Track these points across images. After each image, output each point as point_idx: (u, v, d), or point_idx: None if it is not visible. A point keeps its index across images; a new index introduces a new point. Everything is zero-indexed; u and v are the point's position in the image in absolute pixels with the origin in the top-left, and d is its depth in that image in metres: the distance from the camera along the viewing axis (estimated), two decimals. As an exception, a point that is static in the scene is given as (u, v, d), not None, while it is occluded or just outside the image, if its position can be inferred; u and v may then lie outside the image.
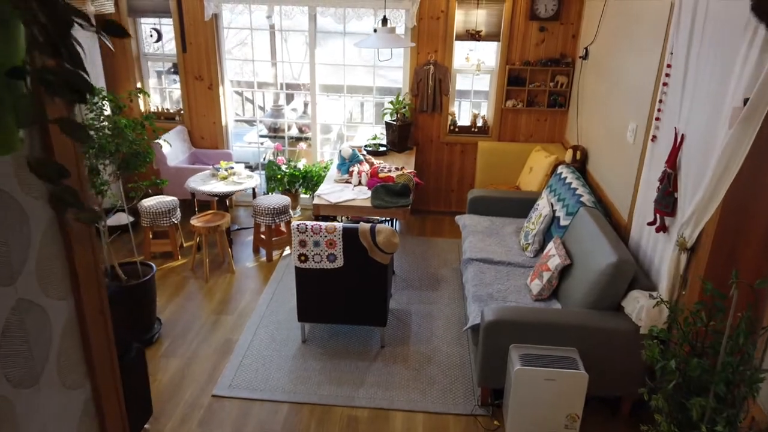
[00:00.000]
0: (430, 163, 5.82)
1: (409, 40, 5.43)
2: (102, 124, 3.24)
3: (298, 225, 3.59)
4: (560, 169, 4.57)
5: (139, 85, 5.85)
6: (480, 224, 4.67)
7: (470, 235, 4.51)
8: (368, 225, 3.58)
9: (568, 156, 4.80)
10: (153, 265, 3.95)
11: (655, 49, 3.43)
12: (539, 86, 5.40)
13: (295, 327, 4.10)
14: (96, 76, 5.36)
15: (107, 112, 3.40)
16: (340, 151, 4.86)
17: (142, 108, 5.92)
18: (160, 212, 4.86)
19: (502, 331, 3.19)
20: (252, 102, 7.43)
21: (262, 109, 7.25)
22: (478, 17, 5.27)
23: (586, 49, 4.89)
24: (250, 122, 7.12)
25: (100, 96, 3.35)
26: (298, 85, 7.26)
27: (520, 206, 4.83)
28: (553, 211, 4.23)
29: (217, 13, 5.46)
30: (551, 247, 3.81)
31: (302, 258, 3.65)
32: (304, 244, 3.61)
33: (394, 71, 5.84)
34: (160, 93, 6.21)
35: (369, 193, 4.43)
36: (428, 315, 4.30)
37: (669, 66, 3.16)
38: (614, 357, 3.14)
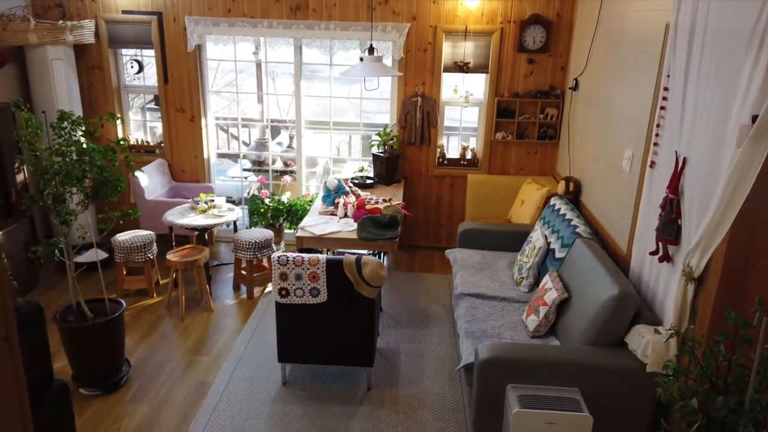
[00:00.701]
0: (418, 197, 5.65)
1: (397, 70, 5.34)
2: (69, 148, 3.03)
3: (278, 257, 3.36)
4: (553, 200, 4.41)
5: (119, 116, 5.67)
6: (471, 258, 4.47)
7: (461, 269, 4.30)
8: (353, 257, 3.36)
9: (561, 188, 4.65)
10: (122, 302, 3.68)
11: (649, 74, 3.33)
12: (529, 118, 5.31)
13: (275, 368, 3.82)
14: (73, 106, 5.18)
15: (78, 137, 3.20)
16: (325, 182, 4.68)
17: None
18: (134, 247, 4.61)
19: (498, 370, 2.95)
20: (237, 138, 7.29)
21: (247, 144, 7.11)
22: (466, 49, 5.21)
23: (575, 80, 4.82)
24: (234, 157, 6.96)
25: (69, 120, 3.16)
26: (284, 122, 7.15)
27: (512, 239, 4.64)
28: (548, 243, 4.05)
29: (200, 44, 5.35)
30: (547, 281, 3.61)
31: (283, 292, 3.41)
32: (285, 277, 3.38)
33: (381, 103, 5.73)
34: (143, 126, 6.03)
35: (355, 226, 4.23)
36: (418, 354, 4.04)
37: (666, 89, 3.04)
38: (620, 397, 2.90)
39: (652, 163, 3.18)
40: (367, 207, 4.46)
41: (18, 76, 5.12)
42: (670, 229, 2.87)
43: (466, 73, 5.27)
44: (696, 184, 2.67)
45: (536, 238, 4.10)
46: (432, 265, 5.53)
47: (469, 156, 5.57)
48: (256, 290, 4.92)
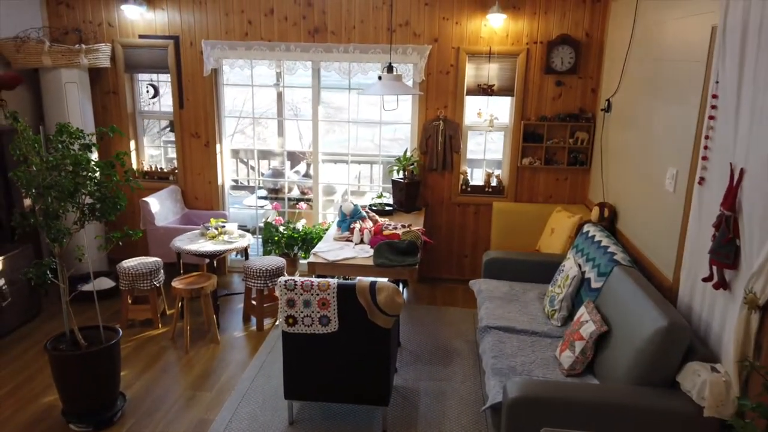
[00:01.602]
0: (440, 226, 5.35)
1: (417, 96, 5.13)
2: (63, 161, 2.83)
3: (285, 281, 3.08)
4: (587, 227, 4.08)
5: (133, 143, 5.55)
6: (498, 289, 4.12)
7: (487, 300, 3.96)
8: (367, 281, 3.06)
9: (595, 214, 4.31)
10: (119, 330, 3.42)
11: (694, 83, 3.03)
12: (558, 143, 5.02)
13: (281, 406, 3.49)
14: (86, 130, 5.06)
15: (74, 150, 3.01)
16: (340, 206, 4.42)
17: (134, 165, 5.60)
18: (140, 274, 4.37)
19: (530, 411, 2.58)
20: (253, 168, 7.12)
21: (262, 182, 6.91)
22: (490, 71, 4.99)
23: (608, 101, 4.54)
24: (250, 189, 6.78)
25: (67, 133, 2.97)
26: (303, 153, 6.97)
27: (542, 270, 4.29)
28: (582, 273, 3.69)
29: (216, 68, 5.23)
30: (583, 313, 3.25)
31: (290, 320, 3.11)
32: (292, 303, 3.08)
33: (400, 129, 5.50)
34: (161, 152, 5.90)
35: (371, 252, 3.94)
36: (439, 393, 3.67)
37: (715, 96, 2.73)
38: (673, 446, 2.50)
39: (701, 179, 2.84)
40: (385, 233, 4.18)
41: (32, 99, 5.04)
42: (726, 251, 2.52)
43: (491, 95, 5.03)
44: (756, 198, 2.33)
45: (569, 267, 3.75)
46: (455, 299, 5.17)
47: (494, 183, 5.27)
48: (267, 322, 4.62)
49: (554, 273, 4.14)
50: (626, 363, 2.76)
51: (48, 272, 3.07)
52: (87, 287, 5.04)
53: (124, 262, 4.48)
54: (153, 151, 5.91)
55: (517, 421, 2.61)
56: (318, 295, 3.05)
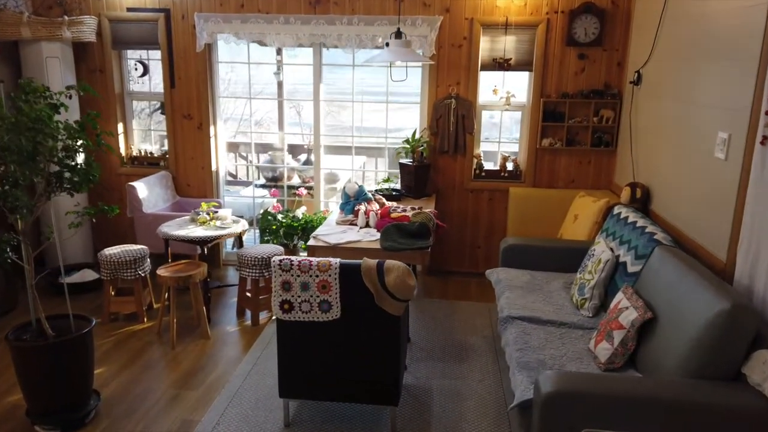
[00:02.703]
0: (452, 214, 4.93)
1: (427, 70, 4.74)
2: (21, 118, 2.43)
3: (280, 260, 2.67)
4: (618, 209, 3.66)
5: (120, 126, 5.17)
6: (518, 278, 3.71)
7: (507, 290, 3.54)
8: (374, 261, 2.65)
9: (625, 196, 3.90)
10: (92, 319, 3.01)
11: (752, 31, 2.62)
12: (581, 122, 4.61)
13: (276, 406, 3.08)
14: (69, 111, 4.68)
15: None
16: (344, 187, 4.02)
17: (122, 150, 5.21)
18: (123, 262, 3.98)
19: (569, 409, 2.16)
20: (252, 163, 6.73)
21: (259, 168, 6.51)
22: (507, 44, 4.59)
23: (637, 73, 4.13)
24: (246, 183, 6.38)
25: (32, 89, 2.57)
26: (305, 146, 6.57)
27: (566, 257, 3.88)
28: (616, 257, 3.27)
29: (210, 43, 4.85)
30: (621, 299, 2.83)
31: (285, 306, 2.70)
32: (288, 286, 2.68)
33: (408, 111, 5.10)
34: (148, 136, 5.52)
35: (378, 236, 3.53)
36: (455, 393, 3.25)
37: (782, 40, 2.33)
38: (744, 451, 2.08)
39: (765, 138, 2.43)
40: (393, 215, 3.77)
41: (11, 74, 4.66)
42: (804, 217, 2.11)
43: (507, 70, 4.64)
44: None
45: (600, 251, 3.33)
46: (468, 292, 4.75)
47: (510, 167, 4.86)
48: (263, 315, 4.21)
49: (579, 261, 3.73)
50: (678, 354, 2.34)
51: (9, 251, 2.67)
52: (69, 279, 4.66)
53: (106, 249, 4.08)
54: (142, 135, 5.53)
55: (551, 420, 2.19)
56: (317, 276, 2.64)
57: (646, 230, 3.16)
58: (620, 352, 2.65)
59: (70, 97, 2.66)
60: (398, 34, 3.74)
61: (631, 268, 3.10)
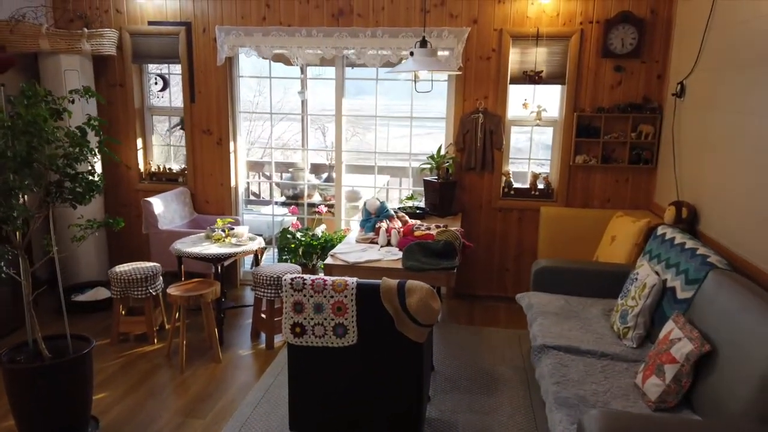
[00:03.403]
0: (479, 234, 4.66)
1: (453, 85, 4.53)
2: (17, 122, 2.27)
3: (292, 279, 2.44)
4: (662, 229, 3.36)
5: (140, 141, 5.06)
6: (552, 304, 3.41)
7: (539, 316, 3.25)
8: (394, 281, 2.40)
9: (670, 216, 3.59)
10: (91, 339, 2.81)
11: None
12: (617, 137, 4.33)
13: (287, 439, 2.82)
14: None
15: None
16: (364, 204, 3.80)
17: (141, 165, 5.09)
18: (133, 280, 3.80)
19: (619, 457, 1.86)
20: (276, 184, 6.57)
21: (279, 186, 6.34)
22: (538, 56, 4.36)
23: (680, 84, 3.85)
24: (265, 203, 6.22)
25: (33, 92, 2.43)
26: (326, 166, 6.39)
27: (603, 281, 3.57)
28: (663, 282, 2.97)
29: (231, 56, 4.73)
30: (672, 329, 2.52)
31: (297, 330, 2.47)
32: (300, 308, 2.44)
33: (434, 134, 4.88)
34: (167, 151, 5.40)
35: (400, 255, 3.29)
36: (482, 429, 2.95)
37: None
38: None
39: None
40: (416, 233, 3.53)
41: (30, 89, 4.59)
42: None
43: (538, 84, 4.40)
44: None
45: (645, 275, 3.03)
46: (496, 318, 4.45)
47: (541, 185, 4.59)
48: (278, 339, 3.97)
49: (618, 286, 3.42)
50: (745, 394, 2.03)
51: (3, 265, 2.50)
52: (82, 297, 4.50)
53: (116, 267, 3.92)
54: (162, 151, 5.42)
55: (598, 469, 1.89)
56: (332, 297, 2.41)
57: (697, 252, 2.85)
58: (673, 390, 2.34)
59: (73, 102, 2.51)
60: (423, 43, 3.54)
61: (681, 294, 2.79)
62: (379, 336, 2.42)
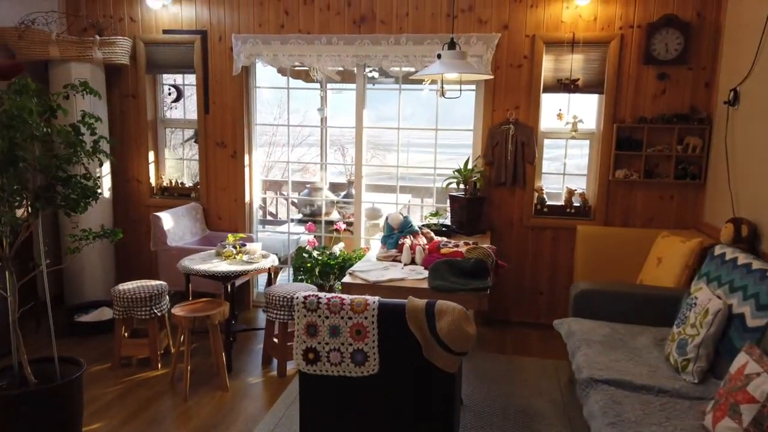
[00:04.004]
0: (509, 254, 4.32)
1: (482, 94, 4.25)
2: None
3: (305, 298, 2.14)
4: (720, 249, 2.99)
5: (152, 154, 4.85)
6: (595, 331, 3.05)
7: (583, 345, 2.89)
8: (422, 301, 2.09)
9: (727, 234, 3.22)
10: (82, 363, 2.53)
11: None
12: (661, 151, 3.99)
13: (297, 482, 2.48)
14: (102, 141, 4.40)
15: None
16: (386, 218, 3.50)
17: (152, 180, 4.87)
18: (137, 299, 3.53)
19: None
20: (292, 202, 6.33)
21: (296, 203, 6.11)
22: (574, 63, 4.07)
23: (733, 91, 3.52)
24: (281, 223, 5.98)
25: (24, 87, 2.20)
26: (344, 184, 6.14)
27: (652, 307, 3.21)
28: (728, 307, 2.60)
29: (247, 65, 4.52)
30: (746, 362, 2.15)
31: (310, 355, 2.15)
32: (314, 330, 2.14)
33: (460, 141, 4.58)
34: (180, 165, 5.19)
35: (425, 274, 2.97)
36: (520, 475, 2.58)
37: None
38: None
39: None
40: (443, 251, 3.21)
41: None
42: None
43: (574, 92, 4.09)
44: None
45: (706, 299, 2.66)
46: (529, 346, 4.08)
47: (577, 202, 4.25)
48: (291, 365, 3.65)
49: (669, 312, 3.06)
50: None
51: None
52: (85, 318, 4.25)
53: (120, 284, 3.65)
54: (175, 165, 5.21)
55: None
56: (351, 318, 2.10)
57: (768, 274, 2.49)
58: (753, 435, 1.97)
59: (67, 97, 2.27)
60: (452, 45, 3.27)
61: (751, 322, 2.42)
62: (403, 364, 2.09)
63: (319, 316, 2.12)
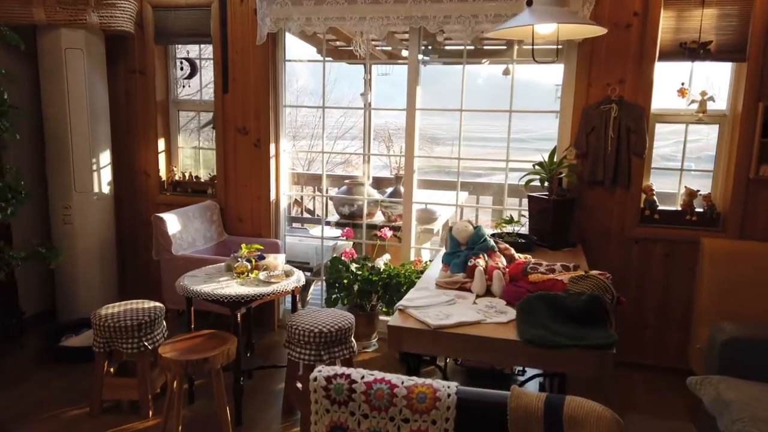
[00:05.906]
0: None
1: (574, 65, 3.25)
2: None
3: (327, 378, 1.23)
4: None
5: (162, 142, 4.06)
6: (761, 401, 2.04)
7: (750, 424, 1.89)
8: (532, 396, 1.14)
9: None
10: None
11: None
12: (827, 138, 2.91)
13: None
14: (96, 119, 3.63)
15: None
16: (449, 229, 2.56)
17: (162, 173, 4.08)
18: (120, 328, 2.71)
19: None
20: (329, 199, 5.44)
21: (332, 200, 5.22)
22: (704, 21, 3.02)
23: None
24: (315, 222, 5.12)
25: None
26: (390, 180, 5.23)
27: None
28: None
29: (274, 32, 3.65)
30: None
31: (333, 480, 1.24)
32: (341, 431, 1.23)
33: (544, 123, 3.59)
34: (195, 155, 4.38)
35: (511, 313, 2.02)
36: None
37: None
38: None
39: None
40: (531, 278, 2.25)
41: (27, 70, 3.66)
42: None
43: (703, 60, 3.05)
44: None
45: None
46: (634, 398, 3.07)
47: (700, 208, 3.21)
48: (318, 420, 2.76)
49: None
50: None
51: None
52: (74, 340, 3.49)
53: (103, 307, 2.84)
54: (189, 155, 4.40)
55: None
56: (408, 422, 1.17)
57: None
58: None
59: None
60: (545, -11, 2.31)
61: None
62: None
63: (352, 414, 1.21)
